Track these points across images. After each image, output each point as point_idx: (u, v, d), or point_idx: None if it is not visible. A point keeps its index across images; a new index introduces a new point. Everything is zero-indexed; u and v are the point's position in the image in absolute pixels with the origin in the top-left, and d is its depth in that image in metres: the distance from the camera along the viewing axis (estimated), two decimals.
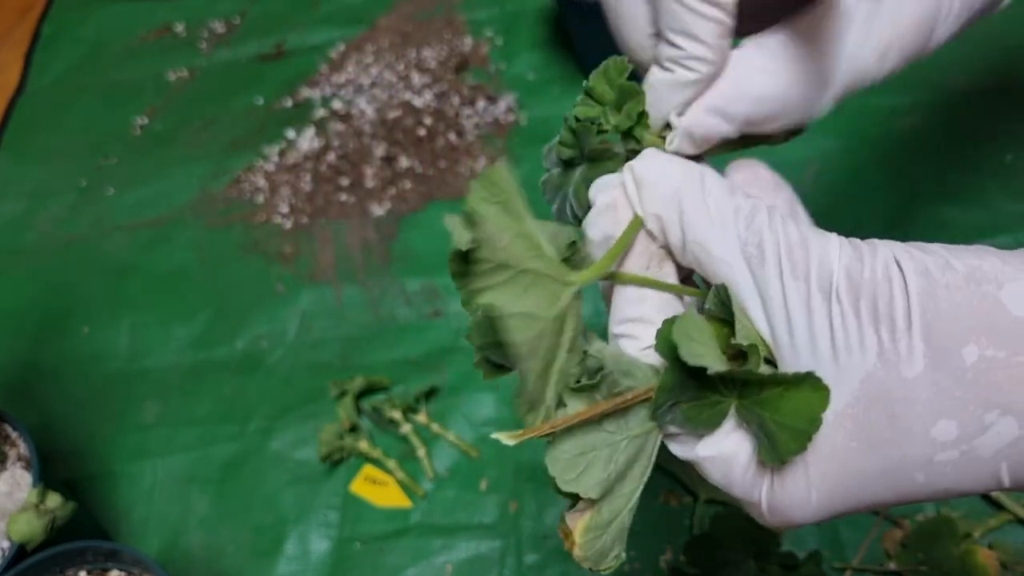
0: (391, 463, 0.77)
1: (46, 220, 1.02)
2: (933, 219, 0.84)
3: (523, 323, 0.24)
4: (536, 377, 0.25)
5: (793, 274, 0.25)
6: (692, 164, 0.29)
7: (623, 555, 0.28)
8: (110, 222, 1.00)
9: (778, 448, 0.25)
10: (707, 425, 0.27)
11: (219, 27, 1.19)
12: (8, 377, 0.88)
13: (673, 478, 0.72)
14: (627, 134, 0.31)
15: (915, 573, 0.65)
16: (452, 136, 1.00)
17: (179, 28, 1.20)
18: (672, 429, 0.27)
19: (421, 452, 0.77)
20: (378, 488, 0.76)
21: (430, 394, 0.81)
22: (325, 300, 0.89)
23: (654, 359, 0.28)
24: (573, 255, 0.28)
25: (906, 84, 0.94)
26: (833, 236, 0.26)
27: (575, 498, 0.27)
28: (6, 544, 0.66)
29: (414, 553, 0.73)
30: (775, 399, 0.25)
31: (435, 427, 0.78)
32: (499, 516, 0.74)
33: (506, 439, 0.25)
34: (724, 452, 0.27)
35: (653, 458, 0.28)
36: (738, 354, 0.27)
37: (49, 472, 0.68)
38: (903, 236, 0.87)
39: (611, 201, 0.30)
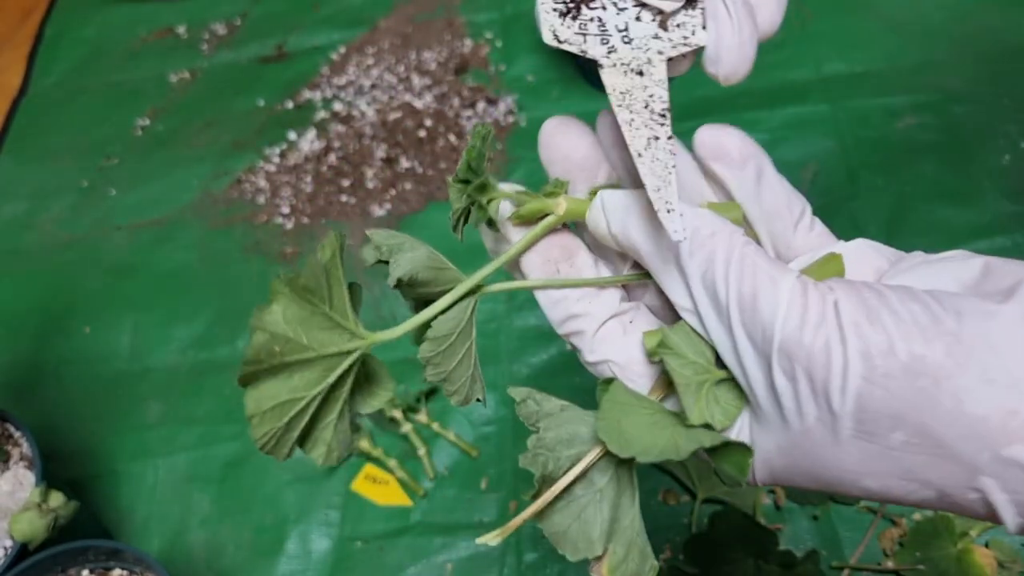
0: (392, 462, 0.77)
1: (48, 220, 1.02)
2: (931, 219, 0.84)
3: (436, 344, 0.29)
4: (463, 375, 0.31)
5: (743, 329, 0.26)
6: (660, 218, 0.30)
7: (656, 563, 0.30)
8: (112, 222, 1.01)
9: (726, 479, 0.28)
10: None
11: (220, 29, 1.20)
12: (10, 377, 0.89)
13: (672, 477, 0.73)
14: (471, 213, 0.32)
15: (912, 572, 0.65)
16: (452, 137, 1.00)
17: (180, 30, 1.21)
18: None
19: (421, 451, 0.77)
20: (379, 487, 0.77)
21: (430, 394, 0.81)
22: None
23: (601, 370, 0.30)
24: None
25: (905, 85, 0.94)
26: (785, 284, 0.26)
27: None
28: (9, 543, 0.66)
29: (414, 552, 0.73)
30: (711, 453, 0.28)
31: (435, 426, 0.79)
32: (499, 515, 0.74)
33: (492, 540, 0.28)
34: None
35: (635, 483, 0.30)
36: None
37: (51, 471, 0.68)
38: (901, 237, 0.87)
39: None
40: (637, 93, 0.30)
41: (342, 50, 1.13)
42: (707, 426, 0.28)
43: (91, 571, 0.66)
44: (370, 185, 0.98)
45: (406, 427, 0.78)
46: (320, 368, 0.28)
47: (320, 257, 0.27)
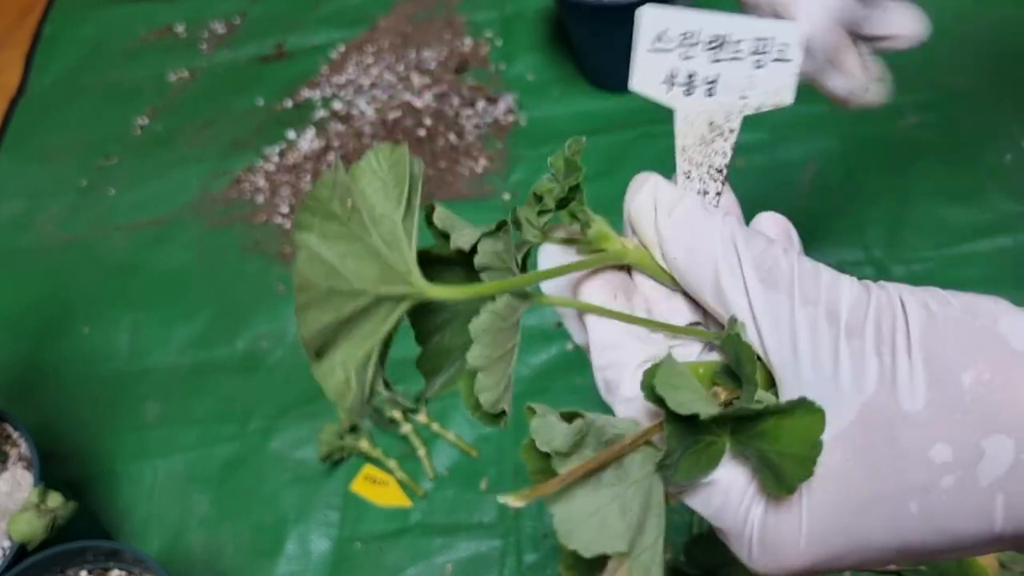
0: (391, 463, 0.77)
1: (46, 220, 1.02)
2: (932, 219, 0.84)
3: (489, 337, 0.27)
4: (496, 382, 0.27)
5: (803, 300, 0.26)
6: (714, 218, 0.30)
7: None
8: (110, 222, 1.01)
9: (784, 477, 0.25)
10: (706, 469, 0.27)
11: (219, 28, 1.19)
12: (9, 377, 0.89)
13: None
14: (563, 205, 0.30)
15: (914, 573, 0.65)
16: (452, 137, 1.00)
17: (179, 29, 1.20)
18: (676, 481, 0.27)
19: (421, 452, 0.77)
20: (378, 488, 0.77)
21: None
22: None
23: (636, 408, 0.28)
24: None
25: (906, 84, 0.93)
26: (843, 274, 0.27)
27: (598, 565, 0.27)
28: (7, 544, 0.66)
29: (414, 552, 0.73)
30: (772, 430, 0.25)
31: (435, 427, 0.78)
32: (499, 516, 0.74)
33: (513, 501, 0.25)
34: (719, 485, 0.27)
35: (663, 506, 0.27)
36: (729, 395, 0.28)
37: (50, 472, 0.68)
38: (902, 236, 0.87)
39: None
40: (703, 147, 0.31)
41: (341, 49, 1.13)
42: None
43: (89, 572, 0.66)
44: None
45: (406, 427, 0.78)
46: (365, 303, 0.26)
47: (359, 174, 0.25)
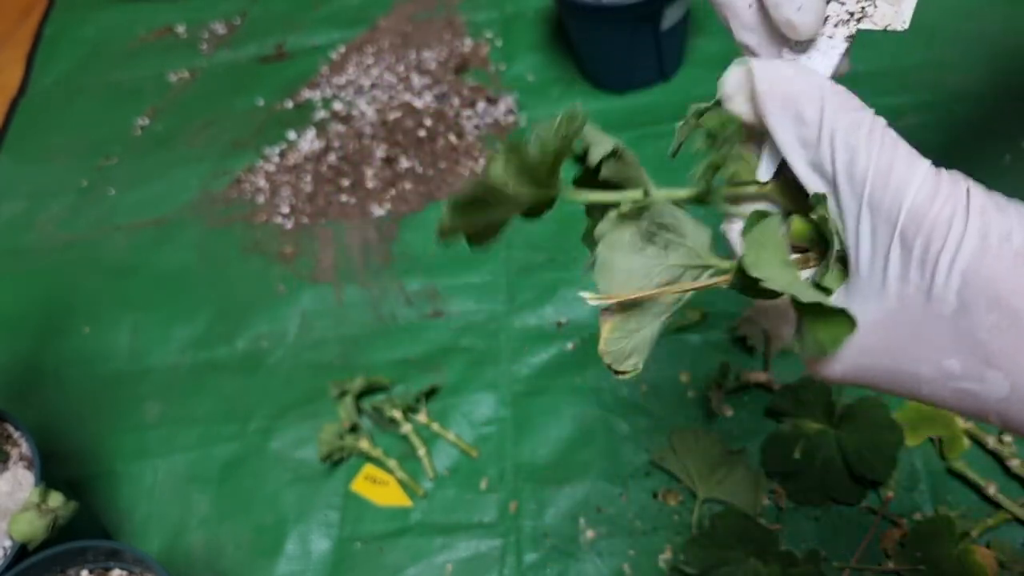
0: (391, 463, 0.77)
1: (47, 220, 1.02)
2: None
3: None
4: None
5: (870, 201, 0.28)
6: (811, 75, 0.32)
7: (640, 366, 0.32)
8: (111, 222, 1.01)
9: (804, 343, 0.30)
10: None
11: (220, 28, 1.20)
12: (10, 377, 0.89)
13: (673, 477, 0.73)
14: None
15: (913, 572, 0.65)
16: (452, 137, 1.00)
17: (180, 29, 1.20)
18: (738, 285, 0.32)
19: (421, 452, 0.77)
20: (378, 487, 0.77)
21: (430, 394, 0.81)
22: (326, 300, 0.90)
23: (732, 104, 0.33)
24: None
25: (906, 84, 0.94)
26: (921, 167, 0.28)
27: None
28: (8, 543, 0.66)
29: (414, 552, 0.73)
30: (815, 310, 0.30)
31: (435, 427, 0.78)
32: (499, 515, 0.74)
33: (591, 299, 0.31)
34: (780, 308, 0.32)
35: (688, 295, 0.32)
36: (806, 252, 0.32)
37: (51, 472, 0.68)
38: None
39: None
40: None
41: (342, 49, 1.13)
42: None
43: (90, 571, 0.66)
44: (370, 185, 0.98)
45: (406, 427, 0.78)
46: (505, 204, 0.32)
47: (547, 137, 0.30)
